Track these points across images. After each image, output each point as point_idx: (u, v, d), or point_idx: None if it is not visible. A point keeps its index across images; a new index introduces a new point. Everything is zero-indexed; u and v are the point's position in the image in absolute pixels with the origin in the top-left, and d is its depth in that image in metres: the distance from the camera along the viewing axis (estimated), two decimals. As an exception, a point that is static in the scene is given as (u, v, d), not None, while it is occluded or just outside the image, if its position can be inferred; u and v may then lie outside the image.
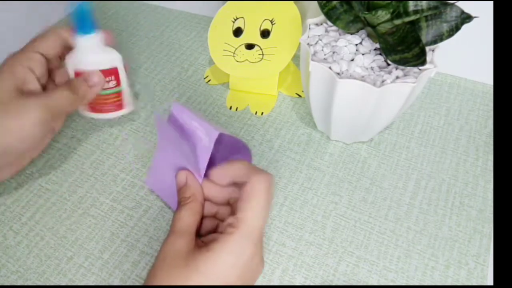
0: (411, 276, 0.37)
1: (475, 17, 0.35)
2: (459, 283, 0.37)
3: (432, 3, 0.33)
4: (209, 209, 0.36)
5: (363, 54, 0.38)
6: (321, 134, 0.48)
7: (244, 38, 0.48)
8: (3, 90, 0.35)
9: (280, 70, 0.48)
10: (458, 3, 0.35)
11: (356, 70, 0.37)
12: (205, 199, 0.36)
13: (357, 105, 0.38)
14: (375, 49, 0.39)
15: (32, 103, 0.36)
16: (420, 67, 0.37)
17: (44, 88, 0.39)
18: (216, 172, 0.35)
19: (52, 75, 0.40)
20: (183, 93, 0.53)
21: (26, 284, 0.37)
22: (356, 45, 0.39)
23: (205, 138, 0.34)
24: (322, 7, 0.38)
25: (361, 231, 0.40)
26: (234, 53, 0.48)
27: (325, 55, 0.39)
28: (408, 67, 0.37)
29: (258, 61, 0.48)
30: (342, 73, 0.38)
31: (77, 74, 0.40)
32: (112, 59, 0.40)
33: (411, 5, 0.34)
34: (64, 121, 0.40)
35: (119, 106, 0.44)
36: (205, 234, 0.36)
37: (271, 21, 0.47)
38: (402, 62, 0.35)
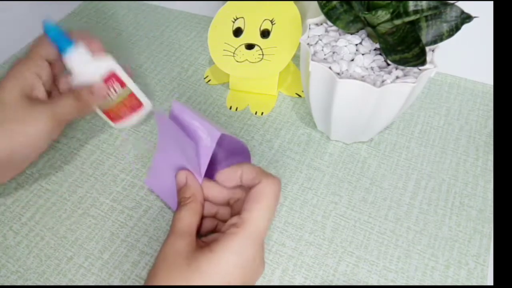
0: (411, 276, 0.37)
1: (475, 17, 0.35)
2: (459, 283, 0.37)
3: (432, 3, 0.33)
4: (209, 209, 0.36)
5: (363, 54, 0.38)
6: (321, 134, 0.48)
7: (244, 38, 0.48)
8: (12, 97, 0.36)
9: (280, 70, 0.48)
10: (458, 3, 0.35)
11: (356, 70, 0.37)
12: (205, 199, 0.36)
13: (357, 105, 0.38)
14: (375, 49, 0.39)
15: (39, 112, 0.36)
16: (420, 67, 0.37)
17: (49, 93, 0.39)
18: (223, 174, 0.35)
19: (55, 80, 0.41)
20: (183, 93, 0.53)
21: (26, 284, 0.37)
22: (356, 45, 0.39)
23: (207, 138, 0.34)
24: (322, 7, 0.38)
25: (361, 231, 0.40)
26: (234, 53, 0.48)
27: (325, 55, 0.39)
28: (408, 67, 0.37)
29: (258, 61, 0.48)
30: (342, 73, 0.38)
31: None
32: (106, 64, 0.40)
33: (411, 5, 0.34)
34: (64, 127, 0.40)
35: (137, 106, 0.44)
36: (205, 234, 0.36)
37: (271, 21, 0.47)
38: (402, 62, 0.35)
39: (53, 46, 0.39)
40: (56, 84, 0.41)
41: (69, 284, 0.37)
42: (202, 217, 0.35)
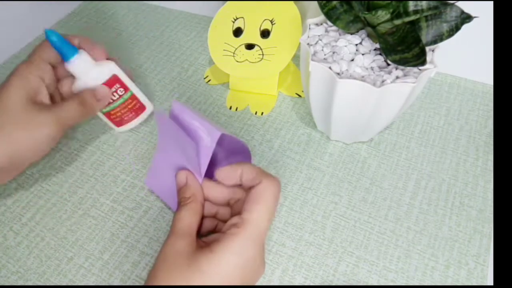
0: (411, 276, 0.37)
1: (475, 17, 0.35)
2: (459, 283, 0.37)
3: (432, 3, 0.33)
4: (209, 209, 0.36)
5: (363, 54, 0.38)
6: (321, 134, 0.48)
7: (244, 38, 0.48)
8: (16, 101, 0.36)
9: (280, 70, 0.48)
10: (458, 3, 0.35)
11: (356, 70, 0.37)
12: (205, 199, 0.36)
13: (357, 105, 0.38)
14: (375, 49, 0.39)
15: (44, 116, 0.36)
16: (420, 67, 0.37)
17: (51, 97, 0.39)
18: (223, 172, 0.35)
19: (58, 84, 0.41)
20: (183, 93, 0.53)
21: (26, 284, 0.37)
22: (356, 45, 0.39)
23: (207, 138, 0.34)
24: (322, 7, 0.38)
25: (361, 231, 0.40)
26: (234, 53, 0.48)
27: (325, 55, 0.39)
28: (408, 67, 0.37)
29: (258, 61, 0.48)
30: (342, 73, 0.38)
31: None
32: (108, 69, 0.41)
33: (411, 5, 0.34)
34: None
35: (140, 109, 0.45)
36: (205, 234, 0.36)
37: (271, 21, 0.47)
38: (402, 62, 0.35)
39: (53, 51, 0.39)
40: (59, 87, 0.41)
41: (69, 284, 0.37)
42: (202, 217, 0.35)
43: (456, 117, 0.49)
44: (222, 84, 0.54)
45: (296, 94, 0.52)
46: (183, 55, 0.58)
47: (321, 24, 0.42)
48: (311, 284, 0.37)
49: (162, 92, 0.53)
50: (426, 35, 0.37)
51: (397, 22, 0.35)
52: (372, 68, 0.38)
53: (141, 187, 0.44)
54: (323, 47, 0.40)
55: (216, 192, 0.36)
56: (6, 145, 0.35)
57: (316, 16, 0.42)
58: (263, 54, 0.48)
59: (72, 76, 0.40)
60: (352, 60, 0.38)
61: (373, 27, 0.37)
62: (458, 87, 0.52)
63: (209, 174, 0.36)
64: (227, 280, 0.29)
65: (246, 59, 0.48)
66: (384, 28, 0.36)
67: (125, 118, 0.45)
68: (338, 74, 0.37)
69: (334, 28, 0.41)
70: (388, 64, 0.38)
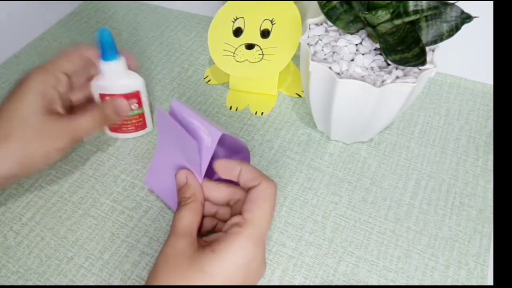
0: (411, 276, 0.37)
1: (475, 17, 0.35)
2: (459, 283, 0.37)
3: (432, 3, 0.33)
4: (209, 209, 0.36)
5: (363, 54, 0.38)
6: (321, 134, 0.48)
7: (244, 38, 0.48)
8: (32, 111, 0.36)
9: (280, 70, 0.48)
10: (458, 3, 0.35)
11: (356, 70, 0.37)
12: (205, 199, 0.36)
13: (357, 105, 0.38)
14: (375, 49, 0.39)
15: (59, 129, 0.37)
16: (420, 67, 0.37)
17: (64, 105, 0.39)
18: (222, 163, 0.35)
19: (71, 93, 0.42)
20: (183, 93, 0.53)
21: (26, 284, 0.37)
22: (356, 45, 0.39)
23: (207, 138, 0.34)
24: (322, 7, 0.38)
25: (361, 231, 0.40)
26: (234, 53, 0.48)
27: (325, 55, 0.39)
28: (408, 67, 0.37)
29: (258, 61, 0.48)
30: (342, 73, 0.38)
31: (102, 96, 0.42)
32: (135, 83, 0.42)
33: (411, 5, 0.34)
34: None
35: (141, 127, 0.47)
36: (205, 234, 0.36)
37: (271, 21, 0.47)
38: (402, 62, 0.35)
39: (73, 61, 0.40)
40: (70, 95, 0.41)
41: (69, 284, 0.37)
42: (202, 217, 0.35)
43: (456, 117, 0.49)
44: (222, 84, 0.54)
45: (296, 94, 0.52)
46: (183, 55, 0.58)
47: (321, 24, 0.42)
48: (311, 284, 0.37)
49: (162, 92, 0.53)
50: (426, 35, 0.37)
51: (397, 22, 0.35)
52: (372, 68, 0.38)
53: (141, 187, 0.44)
54: (323, 47, 0.40)
55: (216, 192, 0.36)
56: (19, 153, 0.35)
57: (316, 16, 0.42)
58: (263, 54, 0.48)
59: (100, 77, 0.41)
60: (352, 60, 0.38)
61: (373, 27, 0.37)
62: (458, 87, 0.52)
63: (209, 174, 0.36)
64: (229, 280, 0.29)
65: (246, 59, 0.48)
66: (384, 28, 0.36)
67: (123, 129, 0.46)
68: (338, 74, 0.37)
69: (334, 28, 0.41)
70: (388, 64, 0.38)
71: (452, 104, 0.51)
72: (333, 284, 0.37)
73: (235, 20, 0.48)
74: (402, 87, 0.36)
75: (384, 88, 0.35)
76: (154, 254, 0.39)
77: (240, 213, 0.31)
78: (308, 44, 0.40)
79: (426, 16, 0.36)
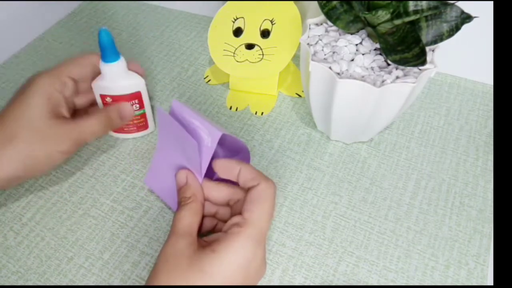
0: (411, 276, 0.37)
1: (475, 17, 0.35)
2: (459, 283, 0.37)
3: (432, 3, 0.33)
4: (209, 209, 0.36)
5: (363, 54, 0.38)
6: (321, 134, 0.48)
7: (244, 38, 0.48)
8: (38, 114, 0.36)
9: (280, 70, 0.48)
10: (458, 3, 0.35)
11: (356, 70, 0.37)
12: (205, 199, 0.36)
13: (357, 105, 0.38)
14: (375, 49, 0.39)
15: (64, 132, 0.37)
16: (420, 67, 0.37)
17: (68, 109, 0.40)
18: (221, 163, 0.35)
19: (75, 97, 0.42)
20: (183, 93, 0.53)
21: (26, 284, 0.37)
22: (356, 45, 0.39)
23: (207, 138, 0.34)
24: (322, 7, 0.38)
25: (361, 231, 0.40)
26: (234, 53, 0.48)
27: (325, 55, 0.39)
28: (408, 67, 0.37)
29: (258, 61, 0.48)
30: (342, 73, 0.38)
31: (103, 97, 0.42)
32: (136, 83, 0.43)
33: (411, 5, 0.34)
34: None
35: (143, 127, 0.47)
36: (205, 234, 0.36)
37: (271, 21, 0.47)
38: (402, 62, 0.35)
39: (80, 67, 0.40)
40: (75, 99, 0.42)
41: (69, 284, 0.37)
42: (203, 217, 0.35)
43: (456, 117, 0.49)
44: (222, 84, 0.54)
45: (296, 94, 0.52)
46: (183, 55, 0.58)
47: (321, 24, 0.42)
48: (311, 284, 0.37)
49: (162, 92, 0.53)
50: (426, 35, 0.37)
51: (397, 22, 0.35)
52: (372, 68, 0.38)
53: (141, 187, 0.44)
54: (323, 47, 0.40)
55: (216, 192, 0.36)
56: (24, 155, 0.35)
57: (316, 16, 0.42)
58: (263, 54, 0.48)
59: (101, 78, 0.41)
60: (352, 60, 0.38)
61: (373, 27, 0.37)
62: (458, 87, 0.52)
63: (209, 174, 0.36)
64: (229, 280, 0.29)
65: (246, 59, 0.48)
66: (384, 28, 0.36)
67: (125, 129, 0.46)
68: (338, 74, 0.37)
69: (334, 28, 0.41)
70: (388, 64, 0.38)
71: (452, 104, 0.51)
72: (333, 284, 0.37)
73: (235, 20, 0.48)
74: (402, 87, 0.36)
75: (384, 88, 0.35)
76: (154, 254, 0.39)
77: (240, 213, 0.31)
78: (308, 44, 0.40)
79: (426, 16, 0.36)
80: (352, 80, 0.36)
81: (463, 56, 0.49)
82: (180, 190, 0.35)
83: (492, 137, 0.47)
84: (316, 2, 0.38)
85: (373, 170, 0.44)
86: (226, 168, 0.35)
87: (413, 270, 0.37)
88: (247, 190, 0.33)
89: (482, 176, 0.44)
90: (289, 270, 0.38)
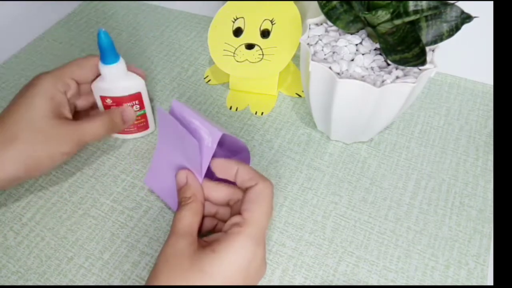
0: (411, 276, 0.37)
1: (475, 17, 0.35)
2: (459, 283, 0.37)
3: (432, 3, 0.33)
4: (209, 209, 0.36)
5: (363, 54, 0.38)
6: (321, 134, 0.48)
7: (244, 38, 0.48)
8: (41, 115, 0.36)
9: (280, 70, 0.48)
10: (458, 3, 0.35)
11: (356, 70, 0.37)
12: (205, 199, 0.36)
13: (357, 105, 0.38)
14: (375, 49, 0.39)
15: (66, 133, 0.37)
16: (420, 67, 0.37)
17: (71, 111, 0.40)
18: (219, 163, 0.35)
19: (77, 99, 0.42)
20: (183, 93, 0.53)
21: (26, 284, 0.37)
22: (356, 45, 0.39)
23: (208, 139, 0.34)
24: (322, 7, 0.38)
25: (361, 231, 0.40)
26: (234, 53, 0.48)
27: (325, 55, 0.39)
28: (408, 67, 0.37)
29: (258, 61, 0.48)
30: (342, 73, 0.38)
31: (103, 98, 0.42)
32: (136, 84, 0.43)
33: (411, 5, 0.34)
34: None
35: (143, 127, 0.47)
36: (205, 234, 0.36)
37: (271, 21, 0.47)
38: (402, 62, 0.35)
39: (83, 69, 0.40)
40: (76, 102, 0.42)
41: (69, 284, 0.37)
42: (203, 217, 0.35)
43: (456, 117, 0.49)
44: (222, 84, 0.54)
45: (296, 94, 0.52)
46: (183, 55, 0.58)
47: (321, 24, 0.42)
48: (311, 284, 0.37)
49: (162, 92, 0.53)
50: (426, 35, 0.37)
51: (397, 22, 0.35)
52: (372, 68, 0.38)
53: (141, 187, 0.44)
54: (323, 47, 0.40)
55: (216, 192, 0.36)
56: (26, 155, 0.35)
57: (316, 16, 0.42)
58: (263, 54, 0.48)
59: (101, 80, 0.42)
60: (352, 60, 0.38)
61: (373, 27, 0.37)
62: (458, 87, 0.52)
63: (209, 174, 0.36)
64: (229, 280, 0.29)
65: (246, 59, 0.48)
66: (384, 28, 0.36)
67: (126, 130, 0.46)
68: (338, 74, 0.37)
69: (334, 28, 0.41)
70: (388, 64, 0.38)
71: (452, 104, 0.51)
72: (333, 284, 0.37)
73: (235, 20, 0.48)
74: (402, 87, 0.36)
75: (384, 88, 0.35)
76: (154, 254, 0.39)
77: (239, 213, 0.31)
78: (308, 44, 0.40)
79: (426, 16, 0.36)
80: (352, 80, 0.36)
81: (463, 56, 0.49)
82: (180, 190, 0.35)
83: (492, 137, 0.47)
84: (316, 2, 0.38)
85: (373, 170, 0.44)
86: (223, 168, 0.35)
87: (413, 270, 0.37)
88: (244, 190, 0.33)
89: (482, 176, 0.44)
90: (289, 270, 0.38)
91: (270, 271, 0.38)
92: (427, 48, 0.37)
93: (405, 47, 0.35)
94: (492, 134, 0.47)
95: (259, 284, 0.37)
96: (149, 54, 0.58)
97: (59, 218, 0.42)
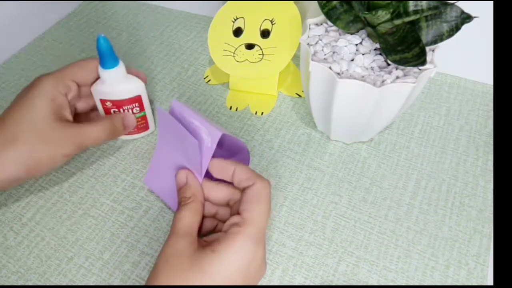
0: (411, 276, 0.37)
1: (475, 17, 0.35)
2: (459, 283, 0.37)
3: (432, 3, 0.33)
4: (209, 209, 0.36)
5: (363, 54, 0.38)
6: (321, 134, 0.48)
7: (244, 38, 0.48)
8: (42, 116, 0.36)
9: (280, 70, 0.48)
10: (458, 3, 0.35)
11: (356, 70, 0.37)
12: (205, 199, 0.36)
13: (357, 105, 0.38)
14: (375, 49, 0.39)
15: (67, 136, 0.37)
16: (420, 67, 0.37)
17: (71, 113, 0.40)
18: (216, 163, 0.35)
19: (78, 101, 0.43)
20: (183, 93, 0.53)
21: (26, 284, 0.37)
22: (356, 45, 0.39)
23: (207, 139, 0.34)
24: (322, 7, 0.38)
25: (361, 231, 0.40)
26: (234, 53, 0.48)
27: (325, 55, 0.39)
28: (408, 67, 0.37)
29: (258, 61, 0.48)
30: (342, 73, 0.38)
31: (103, 102, 0.42)
32: (136, 87, 0.43)
33: (411, 5, 0.34)
34: None
35: (144, 128, 0.47)
36: (205, 234, 0.36)
37: (271, 21, 0.47)
38: (402, 62, 0.35)
39: (84, 71, 0.40)
40: (77, 104, 0.42)
41: (69, 284, 0.37)
42: (203, 217, 0.35)
43: (456, 117, 0.49)
44: (222, 84, 0.54)
45: (296, 94, 0.52)
46: (183, 55, 0.58)
47: (321, 24, 0.42)
48: (311, 284, 0.37)
49: (162, 92, 0.53)
50: (426, 35, 0.37)
51: (397, 22, 0.35)
52: (372, 68, 0.38)
53: (141, 187, 0.44)
54: (323, 47, 0.40)
55: (216, 192, 0.36)
56: (26, 156, 0.35)
57: (316, 16, 0.42)
58: (263, 54, 0.48)
59: (100, 83, 0.42)
60: (352, 60, 0.38)
61: (373, 27, 0.37)
62: (458, 87, 0.52)
63: (209, 174, 0.36)
64: (229, 280, 0.29)
65: (246, 59, 0.48)
66: (384, 28, 0.36)
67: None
68: (338, 74, 0.37)
69: (334, 28, 0.41)
70: (388, 64, 0.38)
71: (452, 104, 0.51)
72: (333, 284, 0.37)
73: (235, 20, 0.48)
74: (402, 87, 0.36)
75: (384, 88, 0.35)
76: (154, 254, 0.39)
77: (239, 213, 0.31)
78: (308, 44, 0.40)
79: (426, 16, 0.36)
80: (352, 80, 0.36)
81: (463, 56, 0.49)
82: (180, 190, 0.35)
83: (492, 137, 0.47)
84: (316, 2, 0.38)
85: (373, 170, 0.44)
86: (220, 168, 0.35)
87: (413, 270, 0.37)
88: (242, 190, 0.33)
89: (482, 176, 0.44)
90: (289, 270, 0.38)
91: (270, 271, 0.38)
92: (427, 48, 0.37)
93: (405, 47, 0.35)
94: (492, 134, 0.47)
95: (259, 284, 0.37)
96: (149, 54, 0.58)
97: (59, 218, 0.42)
